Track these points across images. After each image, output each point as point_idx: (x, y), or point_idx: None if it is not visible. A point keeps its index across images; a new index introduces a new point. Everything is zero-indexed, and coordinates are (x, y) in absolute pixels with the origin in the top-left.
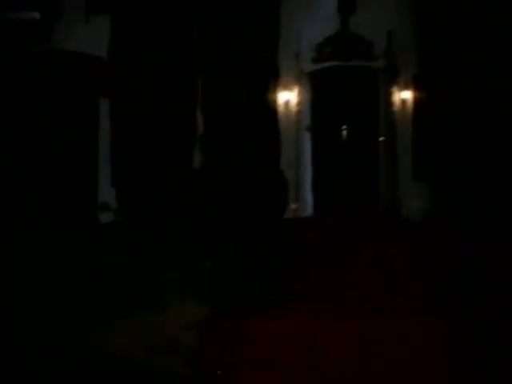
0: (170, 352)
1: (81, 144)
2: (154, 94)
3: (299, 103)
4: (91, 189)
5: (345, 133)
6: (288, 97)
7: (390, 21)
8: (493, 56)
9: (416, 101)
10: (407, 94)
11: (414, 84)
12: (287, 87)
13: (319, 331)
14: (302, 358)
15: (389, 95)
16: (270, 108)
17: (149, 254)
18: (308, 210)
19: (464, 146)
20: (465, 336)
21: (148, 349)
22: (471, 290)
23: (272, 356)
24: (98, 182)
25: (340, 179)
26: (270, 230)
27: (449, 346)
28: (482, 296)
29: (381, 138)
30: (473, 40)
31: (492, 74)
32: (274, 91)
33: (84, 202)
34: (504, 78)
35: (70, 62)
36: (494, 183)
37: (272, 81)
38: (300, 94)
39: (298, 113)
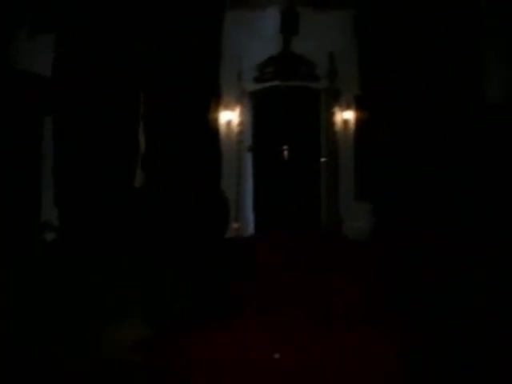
0: (116, 372)
1: (23, 162)
2: (96, 113)
3: (241, 123)
4: (34, 208)
5: (286, 153)
6: (230, 116)
7: (333, 41)
8: (434, 78)
9: (358, 121)
10: (349, 115)
11: (356, 105)
12: (229, 107)
13: (262, 348)
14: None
15: (331, 116)
16: (212, 127)
17: (92, 275)
18: (249, 229)
19: (405, 167)
20: (408, 350)
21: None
22: (411, 307)
23: (218, 373)
24: (41, 201)
25: (281, 199)
26: (211, 250)
27: (397, 358)
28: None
29: (322, 159)
30: (415, 61)
31: (432, 94)
32: (216, 111)
33: (26, 221)
34: (444, 99)
35: (11, 80)
36: (435, 203)
37: (214, 100)
38: (242, 113)
39: (240, 133)
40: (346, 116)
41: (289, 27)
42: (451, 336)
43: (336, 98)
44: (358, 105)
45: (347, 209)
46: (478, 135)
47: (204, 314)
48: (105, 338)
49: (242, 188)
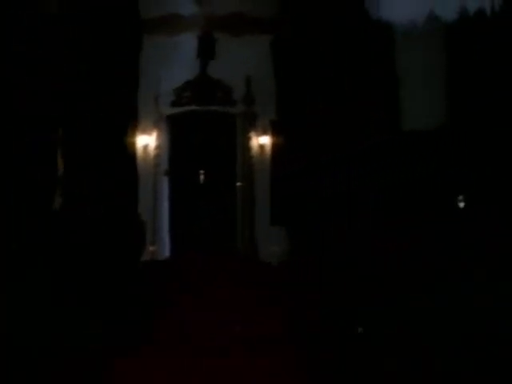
0: None
1: None
2: (14, 136)
3: (158, 147)
4: None
5: (202, 177)
6: (147, 140)
7: (249, 66)
8: (349, 103)
9: (273, 146)
10: (265, 140)
11: (272, 129)
12: (146, 131)
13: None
14: None
15: (247, 140)
16: (129, 152)
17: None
18: (165, 252)
19: (320, 192)
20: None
21: None
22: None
23: None
24: None
25: (197, 223)
26: (127, 273)
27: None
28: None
29: (238, 183)
30: (330, 86)
31: (347, 119)
32: (133, 135)
33: None
34: (359, 124)
35: None
36: (351, 230)
37: (131, 124)
38: (159, 137)
39: (157, 156)
40: (262, 141)
41: (206, 52)
42: (358, 357)
43: (252, 123)
44: (274, 130)
45: (263, 233)
46: (393, 162)
47: (115, 340)
48: None
49: (159, 211)
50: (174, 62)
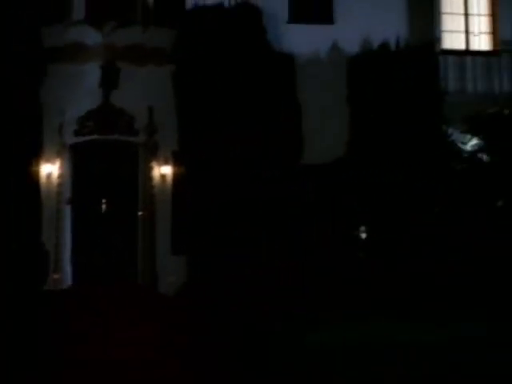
0: None
1: None
2: None
3: (61, 175)
4: None
5: (104, 206)
6: (50, 169)
7: (152, 96)
8: (252, 137)
9: (174, 176)
10: (166, 170)
11: (173, 160)
12: (49, 160)
13: None
14: None
15: (149, 170)
16: (33, 180)
17: None
18: (68, 281)
19: (219, 223)
20: None
21: None
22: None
23: None
24: None
25: (99, 252)
26: (28, 302)
27: None
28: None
29: (140, 213)
30: (231, 116)
31: (249, 153)
32: (37, 163)
33: None
34: (264, 158)
35: None
36: (257, 259)
37: (35, 153)
38: (62, 166)
39: (60, 185)
40: (163, 171)
41: (109, 81)
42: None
43: (154, 153)
44: (175, 160)
45: (163, 262)
46: (295, 194)
47: (14, 366)
48: None
49: (62, 240)
50: (78, 92)
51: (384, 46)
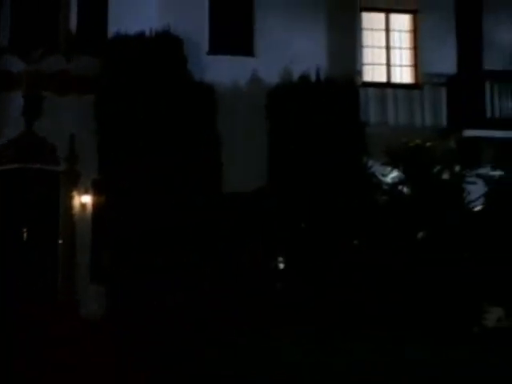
0: None
1: None
2: None
3: None
4: None
5: (25, 234)
6: None
7: (75, 125)
8: (170, 161)
9: (95, 205)
10: (87, 198)
11: (93, 188)
12: None
13: None
14: None
15: (69, 198)
16: None
17: None
18: None
19: (140, 250)
20: None
21: None
22: None
23: None
24: None
25: (20, 278)
26: None
27: None
28: None
29: (60, 241)
30: (151, 146)
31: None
32: None
33: None
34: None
35: None
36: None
37: None
38: None
39: None
40: (84, 199)
41: (32, 110)
42: None
43: (75, 181)
44: (95, 188)
45: (84, 290)
46: (216, 222)
47: None
48: None
49: None
50: (1, 120)
51: (304, 77)
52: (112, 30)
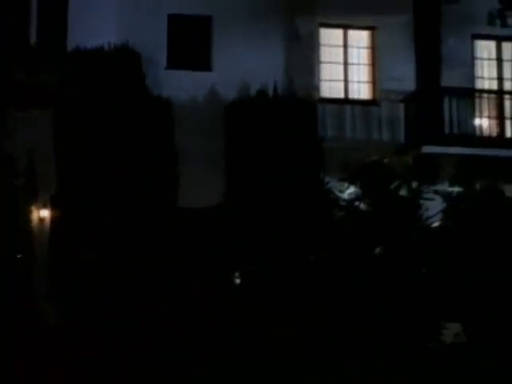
0: None
1: None
2: None
3: None
4: None
5: None
6: None
7: (34, 140)
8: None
9: (52, 219)
10: (45, 213)
11: (51, 203)
12: None
13: None
14: None
15: (28, 213)
16: None
17: None
18: None
19: (97, 265)
20: None
21: None
22: None
23: None
24: None
25: None
26: None
27: None
28: None
29: (19, 256)
30: (107, 162)
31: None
32: None
33: None
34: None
35: None
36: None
37: None
38: None
39: None
40: (42, 214)
41: None
42: None
43: (34, 196)
44: (53, 203)
45: (43, 305)
46: (171, 237)
47: None
48: None
49: None
50: None
51: (261, 92)
52: (71, 44)
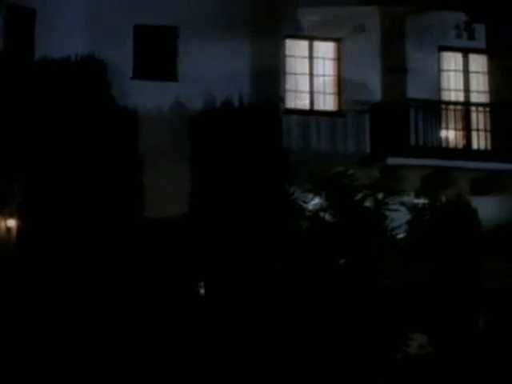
0: None
1: None
2: None
3: None
4: None
5: None
6: None
7: None
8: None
9: (18, 230)
10: (12, 223)
11: (18, 213)
12: None
13: None
14: None
15: None
16: None
17: None
18: None
19: (63, 276)
20: None
21: None
22: None
23: None
24: None
25: None
26: None
27: None
28: None
29: None
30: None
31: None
32: None
33: None
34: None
35: None
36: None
37: None
38: None
39: None
40: (9, 224)
41: None
42: None
43: (1, 205)
44: (20, 213)
45: None
46: (137, 247)
47: None
48: None
49: None
50: None
51: (226, 103)
52: (38, 54)
